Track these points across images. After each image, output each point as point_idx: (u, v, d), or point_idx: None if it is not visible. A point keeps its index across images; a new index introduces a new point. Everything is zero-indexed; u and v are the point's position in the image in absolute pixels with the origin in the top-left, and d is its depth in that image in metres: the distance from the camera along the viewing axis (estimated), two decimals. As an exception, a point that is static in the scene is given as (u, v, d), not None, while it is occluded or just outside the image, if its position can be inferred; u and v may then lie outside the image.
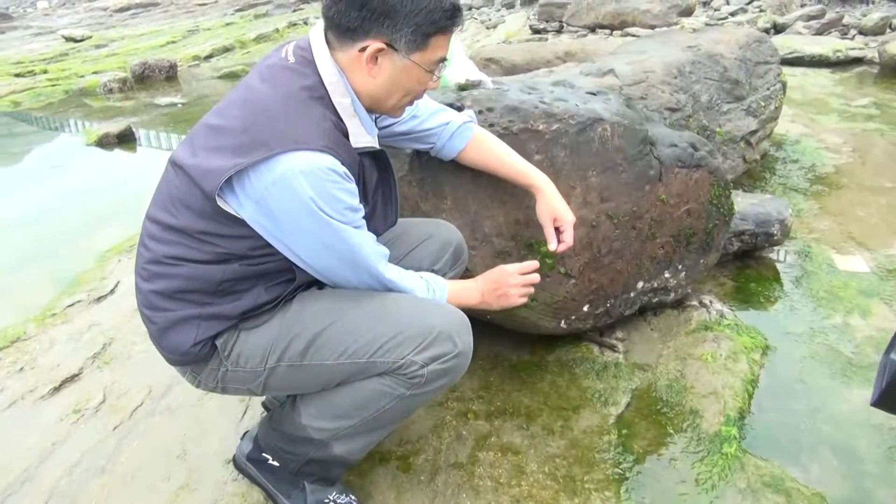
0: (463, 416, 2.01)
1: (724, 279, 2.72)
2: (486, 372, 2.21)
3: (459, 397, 2.09)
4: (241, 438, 1.75)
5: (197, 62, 10.01)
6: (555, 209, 1.78)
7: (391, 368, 1.43)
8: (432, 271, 1.78)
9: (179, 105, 6.92)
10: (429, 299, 1.54)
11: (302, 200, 1.29)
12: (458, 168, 1.92)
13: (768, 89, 3.48)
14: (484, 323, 2.17)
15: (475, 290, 1.68)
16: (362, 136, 1.43)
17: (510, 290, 1.65)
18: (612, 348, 2.26)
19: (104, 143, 5.33)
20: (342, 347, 1.44)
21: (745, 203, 2.81)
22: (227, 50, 10.84)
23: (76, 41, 11.97)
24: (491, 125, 1.99)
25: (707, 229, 2.34)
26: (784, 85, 3.71)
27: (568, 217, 1.78)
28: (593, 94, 2.34)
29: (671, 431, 1.88)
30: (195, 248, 1.39)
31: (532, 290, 1.70)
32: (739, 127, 3.27)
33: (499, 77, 2.60)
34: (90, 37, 12.39)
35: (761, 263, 2.82)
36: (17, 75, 8.79)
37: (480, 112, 2.02)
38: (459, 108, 2.05)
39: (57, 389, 2.19)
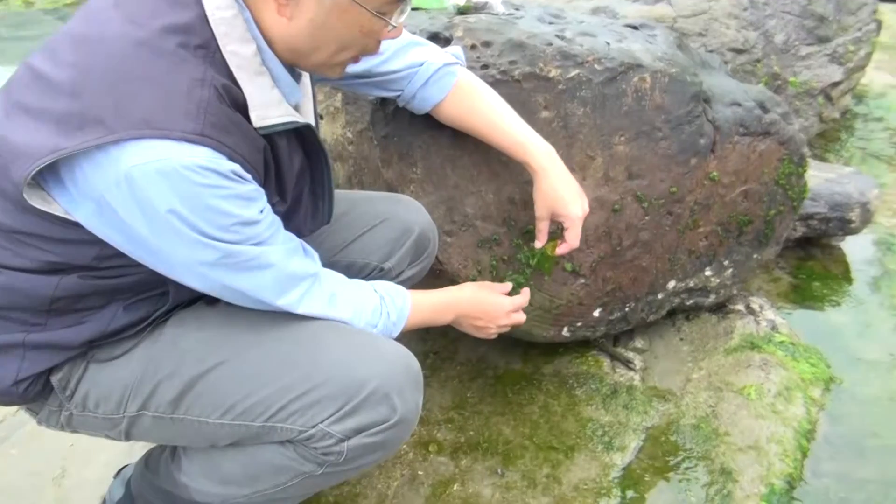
0: (423, 448, 1.56)
1: (779, 273, 2.17)
2: (463, 383, 1.74)
3: (424, 419, 1.64)
4: (115, 477, 1.33)
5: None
6: (557, 199, 1.27)
7: (296, 438, 0.99)
8: (381, 270, 1.30)
9: None
10: (368, 333, 1.07)
11: (160, 216, 0.83)
12: (434, 124, 1.40)
13: (860, 29, 2.80)
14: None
15: (450, 312, 1.27)
16: (273, 105, 0.93)
17: (495, 326, 1.30)
18: (627, 364, 1.76)
19: None
20: (229, 402, 1.00)
21: (816, 177, 2.22)
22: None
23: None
24: (485, 67, 1.44)
25: (767, 217, 1.79)
26: (879, 25, 3.01)
27: (574, 211, 1.27)
28: (634, 27, 1.76)
29: (693, 501, 1.41)
30: (10, 249, 0.93)
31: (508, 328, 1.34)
32: (819, 76, 2.63)
33: (518, -3, 2.00)
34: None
35: (828, 255, 2.25)
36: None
37: (473, 47, 1.47)
38: (446, 41, 1.50)
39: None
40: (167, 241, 0.86)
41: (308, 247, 1.05)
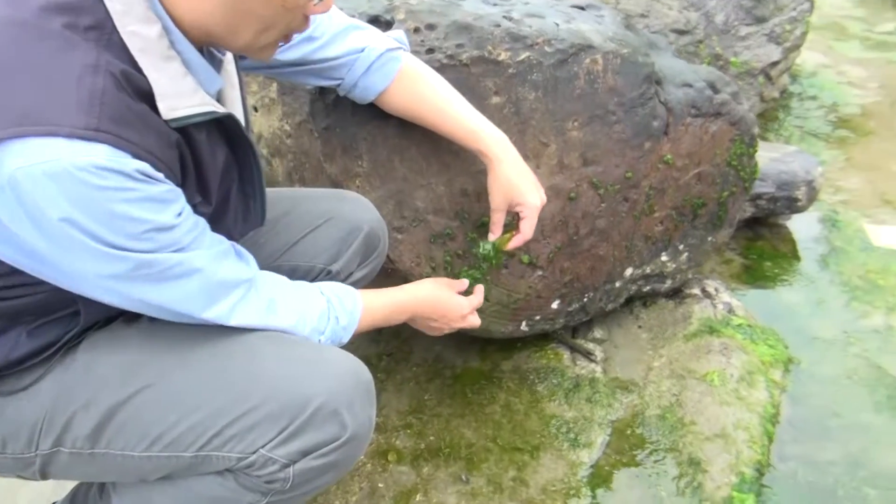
0: (381, 458, 1.47)
1: (730, 255, 2.17)
2: (420, 385, 1.66)
3: (381, 426, 1.55)
4: (41, 515, 1.20)
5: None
6: (514, 188, 1.20)
7: (235, 467, 0.88)
8: (328, 273, 1.20)
9: None
10: (312, 343, 0.97)
11: (53, 224, 0.71)
12: (379, 114, 1.31)
13: (795, 9, 2.82)
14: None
15: (405, 312, 1.18)
16: (186, 94, 0.81)
17: (448, 328, 1.26)
18: (588, 355, 1.71)
19: None
20: (154, 431, 0.88)
21: (762, 157, 2.21)
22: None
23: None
24: (430, 51, 1.35)
25: (721, 199, 1.77)
26: (812, 4, 3.05)
27: (532, 200, 1.20)
28: (581, 7, 1.70)
29: (663, 495, 1.37)
30: None
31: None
32: (759, 56, 2.63)
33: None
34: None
35: (777, 234, 2.26)
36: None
37: (416, 31, 1.38)
38: (387, 25, 1.40)
39: None
40: (65, 254, 0.74)
41: (241, 249, 0.95)
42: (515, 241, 1.27)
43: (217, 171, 0.90)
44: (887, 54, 4.10)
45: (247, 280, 0.91)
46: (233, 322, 0.89)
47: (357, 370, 0.94)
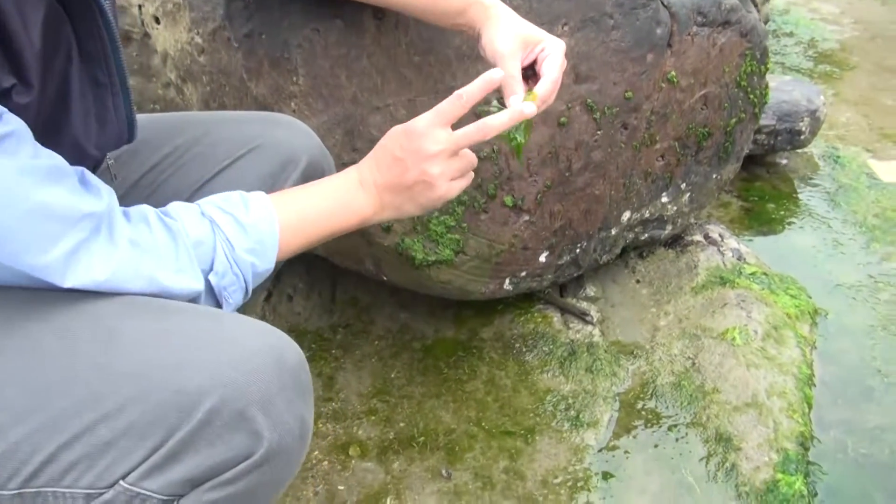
0: (341, 453, 1.18)
1: (726, 198, 1.92)
2: (385, 362, 1.37)
3: (337, 412, 1.26)
4: None
5: None
6: (524, 26, 0.89)
7: None
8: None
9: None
10: (200, 309, 0.66)
11: None
12: (321, 12, 1.00)
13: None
14: (376, 281, 1.33)
15: (356, 196, 0.80)
16: None
17: (444, 181, 0.79)
18: (583, 316, 1.45)
19: None
20: None
21: (758, 87, 1.97)
22: None
23: None
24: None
25: (728, 127, 1.51)
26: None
27: (550, 37, 0.89)
28: None
29: (691, 481, 1.11)
30: None
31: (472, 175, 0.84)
32: (744, -20, 2.37)
33: None
34: None
35: (775, 174, 2.03)
36: None
37: None
38: None
39: None
40: None
41: (92, 177, 0.63)
42: (546, 91, 0.84)
43: (33, 35, 0.57)
44: (859, -10, 3.92)
45: (90, 215, 0.59)
46: (70, 278, 0.57)
47: (277, 348, 0.62)
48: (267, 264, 0.72)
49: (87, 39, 0.63)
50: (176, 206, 0.70)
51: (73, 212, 0.57)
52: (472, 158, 0.81)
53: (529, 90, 0.86)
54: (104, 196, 0.62)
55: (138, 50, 1.63)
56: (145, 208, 0.67)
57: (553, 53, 0.86)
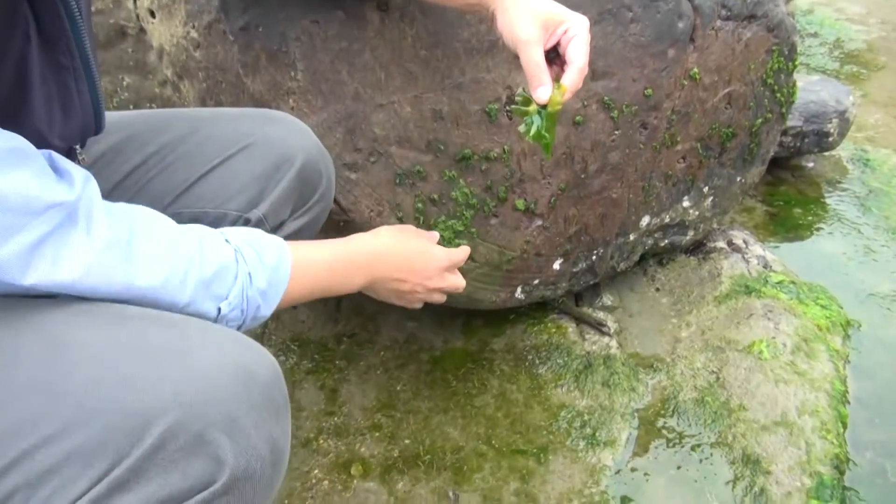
0: (343, 472, 1.12)
1: (750, 203, 1.84)
2: (390, 374, 1.30)
3: (339, 428, 1.19)
4: None
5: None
6: (545, 6, 0.82)
7: None
8: (247, 223, 0.84)
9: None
10: (172, 318, 0.59)
11: None
12: (320, 3, 0.94)
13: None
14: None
15: (357, 272, 0.83)
16: None
17: (424, 290, 0.89)
18: (599, 327, 1.37)
19: None
20: None
21: (783, 87, 1.89)
22: None
23: None
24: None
25: (753, 128, 1.43)
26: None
27: (573, 15, 0.82)
28: None
29: (716, 507, 1.03)
30: None
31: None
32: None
33: None
34: None
35: (801, 178, 1.94)
36: None
37: None
38: None
39: None
40: None
41: (63, 160, 0.57)
42: (573, 82, 0.80)
43: None
44: (886, -11, 3.81)
45: (60, 204, 0.53)
46: (31, 275, 0.51)
47: (245, 362, 0.55)
48: (267, 311, 0.68)
49: (46, 18, 0.57)
50: (199, 226, 0.66)
51: (36, 200, 0.51)
52: (458, 283, 0.93)
53: (555, 78, 0.81)
54: (77, 183, 0.55)
55: (134, 46, 1.58)
56: (146, 210, 0.62)
57: (578, 35, 0.80)
